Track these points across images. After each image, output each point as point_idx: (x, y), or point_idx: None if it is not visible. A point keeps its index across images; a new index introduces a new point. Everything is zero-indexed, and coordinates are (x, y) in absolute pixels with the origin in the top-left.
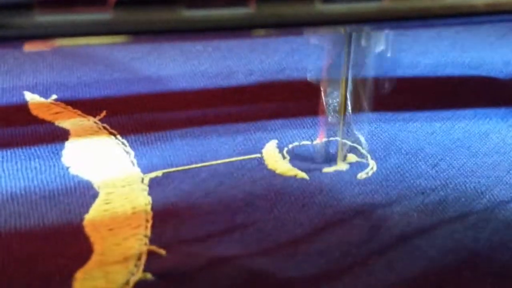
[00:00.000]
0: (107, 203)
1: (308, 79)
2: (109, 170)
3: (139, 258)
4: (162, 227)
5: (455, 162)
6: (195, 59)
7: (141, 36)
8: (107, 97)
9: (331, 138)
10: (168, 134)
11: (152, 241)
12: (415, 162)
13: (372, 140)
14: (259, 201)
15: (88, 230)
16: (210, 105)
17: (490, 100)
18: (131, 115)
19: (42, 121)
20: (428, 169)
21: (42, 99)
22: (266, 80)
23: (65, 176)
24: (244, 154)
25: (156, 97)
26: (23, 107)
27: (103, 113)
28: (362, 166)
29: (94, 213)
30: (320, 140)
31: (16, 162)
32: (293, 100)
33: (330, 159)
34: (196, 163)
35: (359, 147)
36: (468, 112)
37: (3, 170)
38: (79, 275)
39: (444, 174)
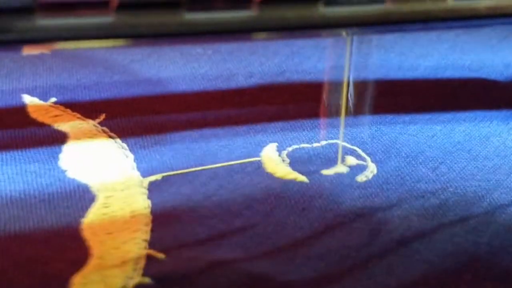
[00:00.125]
0: (106, 207)
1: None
2: (108, 174)
3: (137, 262)
4: (161, 231)
5: (455, 165)
6: (195, 61)
7: (143, 40)
8: (106, 100)
9: (332, 141)
10: (167, 137)
11: (151, 245)
12: (415, 165)
13: (372, 143)
14: (258, 205)
15: (86, 234)
16: (209, 108)
17: (490, 102)
18: (131, 118)
19: (41, 124)
20: (429, 172)
21: (41, 102)
22: (266, 83)
23: (63, 180)
24: (244, 157)
25: (155, 100)
26: (22, 110)
27: (103, 116)
28: (362, 169)
29: (92, 216)
30: (321, 142)
31: (15, 166)
32: (292, 103)
33: (331, 161)
34: (195, 166)
35: (359, 150)
36: (469, 115)
37: (2, 174)
38: (77, 279)
39: (444, 177)
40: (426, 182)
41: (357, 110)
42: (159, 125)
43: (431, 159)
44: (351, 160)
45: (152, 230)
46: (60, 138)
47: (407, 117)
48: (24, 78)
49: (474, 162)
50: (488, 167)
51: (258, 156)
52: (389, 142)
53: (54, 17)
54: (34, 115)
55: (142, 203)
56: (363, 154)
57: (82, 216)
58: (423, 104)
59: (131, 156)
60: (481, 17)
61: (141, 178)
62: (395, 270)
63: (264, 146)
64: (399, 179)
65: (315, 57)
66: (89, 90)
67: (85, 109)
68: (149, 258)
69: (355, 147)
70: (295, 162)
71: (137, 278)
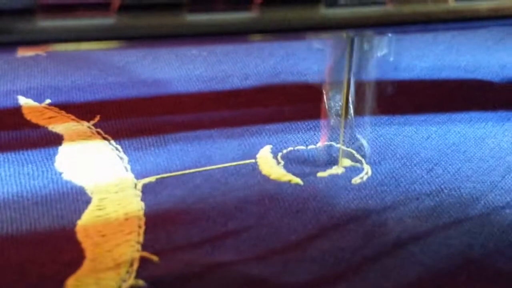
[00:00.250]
0: (99, 209)
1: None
2: (102, 176)
3: (131, 265)
4: (155, 233)
5: (450, 167)
6: (190, 63)
7: (144, 41)
8: (101, 101)
9: (332, 143)
10: (162, 139)
11: (144, 247)
12: (410, 166)
13: (367, 144)
14: (253, 207)
15: (80, 236)
16: (205, 110)
17: (486, 104)
18: (125, 119)
19: (36, 126)
20: (423, 174)
21: (36, 104)
22: (261, 84)
23: (58, 182)
24: (239, 159)
25: (150, 102)
26: (17, 111)
27: (97, 118)
28: (356, 171)
29: (86, 219)
30: (322, 143)
31: (9, 167)
32: (288, 105)
33: (331, 163)
34: (190, 168)
35: (359, 151)
36: (464, 116)
37: None
38: (71, 281)
39: (439, 179)
40: (421, 184)
41: (356, 112)
42: (153, 127)
43: (426, 160)
44: (346, 162)
45: (146, 233)
46: (54, 140)
47: (402, 118)
48: (19, 79)
49: (469, 164)
50: (483, 169)
51: (253, 158)
52: (384, 144)
53: (55, 18)
54: (28, 116)
55: (136, 205)
56: (358, 156)
57: (77, 218)
58: (419, 105)
59: (125, 158)
60: (482, 19)
61: (135, 180)
62: (389, 273)
63: (259, 148)
64: (394, 181)
65: (310, 58)
66: (84, 91)
67: (80, 110)
68: (143, 260)
69: (350, 149)
70: (290, 164)
71: (131, 281)
